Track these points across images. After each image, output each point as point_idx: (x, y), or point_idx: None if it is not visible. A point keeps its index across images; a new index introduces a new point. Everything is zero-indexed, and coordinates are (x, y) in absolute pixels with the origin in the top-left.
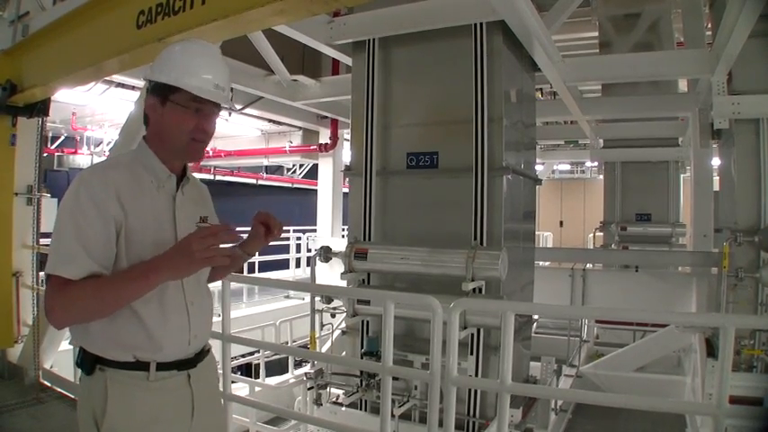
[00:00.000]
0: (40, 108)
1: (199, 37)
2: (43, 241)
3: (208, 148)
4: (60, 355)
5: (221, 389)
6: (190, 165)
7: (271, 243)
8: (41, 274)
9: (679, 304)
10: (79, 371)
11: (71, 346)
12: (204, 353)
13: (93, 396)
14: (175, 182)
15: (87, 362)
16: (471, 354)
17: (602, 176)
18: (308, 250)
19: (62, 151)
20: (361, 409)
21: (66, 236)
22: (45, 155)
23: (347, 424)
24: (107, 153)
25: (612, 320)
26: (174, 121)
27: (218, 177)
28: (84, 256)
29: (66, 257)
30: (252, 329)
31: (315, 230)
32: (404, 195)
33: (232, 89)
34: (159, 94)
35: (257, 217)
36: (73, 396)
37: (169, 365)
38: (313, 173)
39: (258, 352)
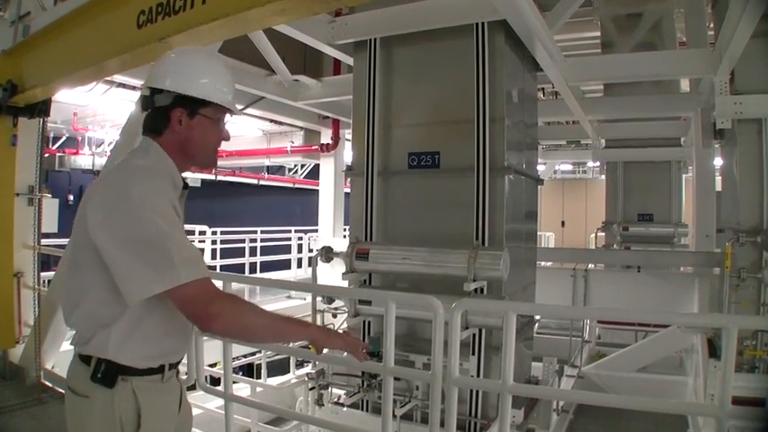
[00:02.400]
0: (41, 108)
1: (199, 37)
2: (44, 242)
3: None
4: (61, 356)
5: (223, 389)
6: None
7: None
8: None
9: (681, 305)
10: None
11: (72, 347)
12: None
13: (122, 408)
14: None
15: (109, 374)
16: (473, 354)
17: (603, 176)
18: (310, 250)
19: (63, 152)
20: (362, 410)
21: (182, 239)
22: (46, 155)
23: (348, 424)
24: (108, 153)
25: (614, 321)
26: (203, 135)
27: (220, 178)
28: (201, 256)
29: (195, 260)
30: None
31: (316, 231)
32: (405, 195)
33: None
34: (188, 106)
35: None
36: None
37: (173, 364)
38: (314, 173)
39: (260, 352)
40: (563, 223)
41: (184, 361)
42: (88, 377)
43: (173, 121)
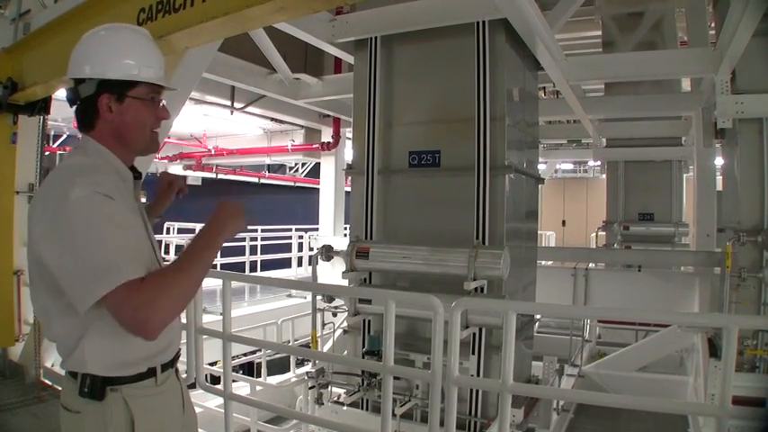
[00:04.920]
0: (41, 106)
1: (199, 35)
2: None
3: (210, 147)
4: None
5: (222, 388)
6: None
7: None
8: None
9: (681, 304)
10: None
11: None
12: None
13: (114, 421)
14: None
15: (97, 387)
16: (473, 353)
17: (604, 176)
18: (310, 249)
19: (64, 150)
20: (362, 409)
21: (124, 238)
22: (47, 153)
23: (348, 423)
24: None
25: (615, 320)
26: (137, 118)
27: (221, 176)
28: (148, 253)
29: (135, 258)
30: (253, 328)
31: (317, 229)
32: (406, 194)
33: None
34: (114, 90)
35: (163, 178)
36: None
37: (166, 364)
38: (315, 171)
39: (260, 351)
40: (564, 222)
41: (184, 359)
42: (77, 393)
43: (101, 109)
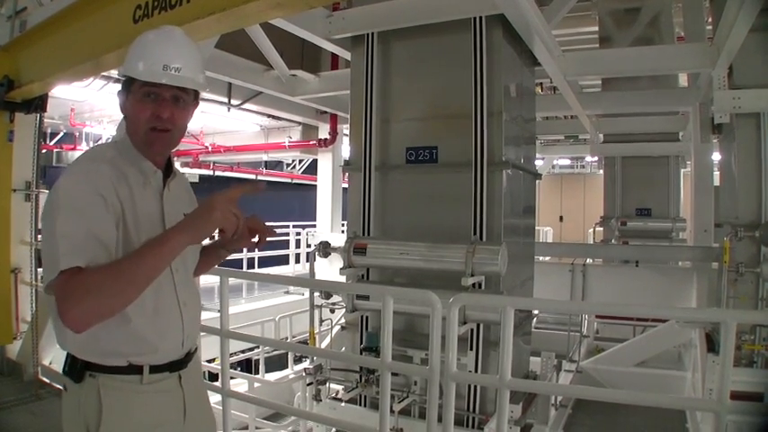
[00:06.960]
0: (37, 104)
1: (196, 31)
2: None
3: (207, 144)
4: (59, 352)
5: (220, 385)
6: (174, 158)
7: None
8: (39, 273)
9: (679, 299)
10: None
11: None
12: (193, 352)
13: (85, 406)
14: (161, 178)
15: (76, 368)
16: (471, 349)
17: (602, 171)
18: (308, 246)
19: (61, 147)
20: (360, 405)
21: (74, 227)
22: (44, 151)
23: (346, 420)
24: None
25: (612, 315)
26: (133, 113)
27: (218, 173)
28: (96, 245)
29: (78, 248)
30: (251, 325)
31: (314, 226)
32: (403, 190)
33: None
34: (124, 88)
35: (249, 222)
36: None
37: (161, 367)
38: (312, 168)
39: (258, 348)
40: (561, 218)
41: None
42: (63, 370)
43: (120, 105)
